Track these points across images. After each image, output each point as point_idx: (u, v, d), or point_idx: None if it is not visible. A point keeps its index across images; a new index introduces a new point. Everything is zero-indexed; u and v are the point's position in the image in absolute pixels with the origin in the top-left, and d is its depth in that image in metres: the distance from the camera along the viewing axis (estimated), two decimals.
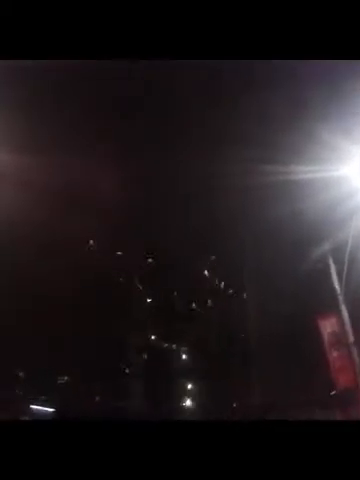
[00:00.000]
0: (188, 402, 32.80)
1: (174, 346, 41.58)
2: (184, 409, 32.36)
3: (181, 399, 34.67)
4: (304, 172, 10.90)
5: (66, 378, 38.46)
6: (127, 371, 40.96)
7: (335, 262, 12.18)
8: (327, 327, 12.68)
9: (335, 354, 12.49)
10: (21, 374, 33.66)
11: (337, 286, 12.10)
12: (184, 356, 37.60)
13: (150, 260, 35.97)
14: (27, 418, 22.77)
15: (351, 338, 11.69)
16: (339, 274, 12.09)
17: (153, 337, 40.25)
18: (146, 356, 40.82)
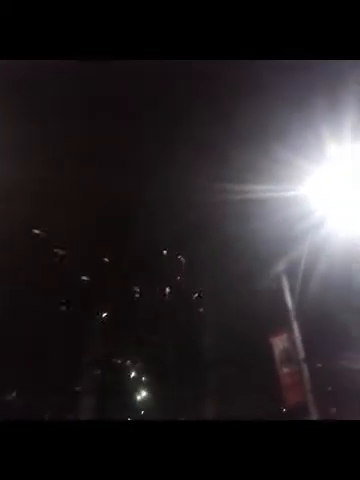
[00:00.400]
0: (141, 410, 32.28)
1: (128, 362, 40.96)
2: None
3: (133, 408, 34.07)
4: (262, 191, 11.12)
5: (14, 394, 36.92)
6: (78, 389, 39.87)
7: (289, 280, 12.46)
8: (278, 344, 12.88)
9: (285, 371, 12.67)
10: None
11: (290, 303, 12.36)
12: (135, 370, 37.08)
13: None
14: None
15: (302, 354, 11.89)
16: (292, 292, 12.36)
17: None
18: (99, 371, 39.91)
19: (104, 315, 41.61)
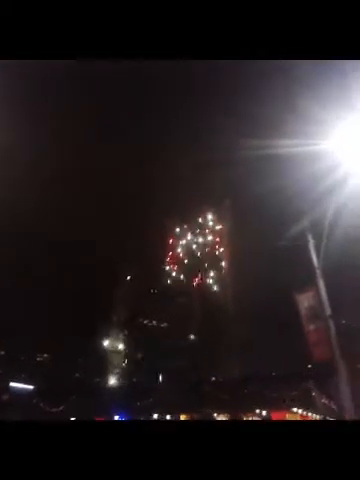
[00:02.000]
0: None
1: (154, 323, 41.80)
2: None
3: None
4: (286, 146, 10.86)
5: (45, 355, 38.58)
6: (105, 346, 41.09)
7: (314, 237, 12.32)
8: (304, 301, 12.88)
9: (312, 328, 12.72)
10: (1, 352, 33.63)
11: (315, 261, 12.27)
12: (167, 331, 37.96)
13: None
14: (7, 397, 22.73)
15: (328, 312, 11.87)
16: (317, 249, 12.24)
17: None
18: (129, 332, 41.03)
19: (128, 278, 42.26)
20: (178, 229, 57.27)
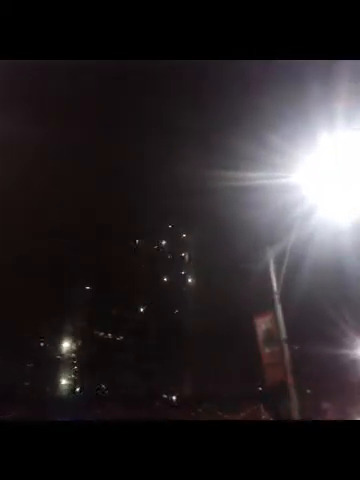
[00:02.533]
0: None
1: (110, 335, 41.26)
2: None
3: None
4: (255, 178, 11.27)
5: None
6: (58, 357, 40.22)
7: (275, 264, 12.78)
8: (262, 324, 13.26)
9: (267, 351, 13.08)
10: None
11: (275, 286, 12.71)
12: (121, 344, 37.49)
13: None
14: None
15: (283, 335, 12.27)
16: (278, 275, 12.70)
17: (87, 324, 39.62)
18: (81, 344, 40.32)
19: (87, 288, 41.65)
20: (142, 241, 56.84)
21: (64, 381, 41.26)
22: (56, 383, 39.97)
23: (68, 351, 43.22)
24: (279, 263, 12.55)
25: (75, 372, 42.00)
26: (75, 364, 42.54)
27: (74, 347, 43.65)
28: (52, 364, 40.16)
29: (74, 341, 43.90)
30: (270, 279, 12.81)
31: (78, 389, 38.52)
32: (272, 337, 12.83)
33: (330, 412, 22.85)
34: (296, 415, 11.31)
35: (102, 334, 42.92)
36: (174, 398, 28.17)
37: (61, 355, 42.85)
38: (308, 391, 18.24)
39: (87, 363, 39.34)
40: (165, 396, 28.97)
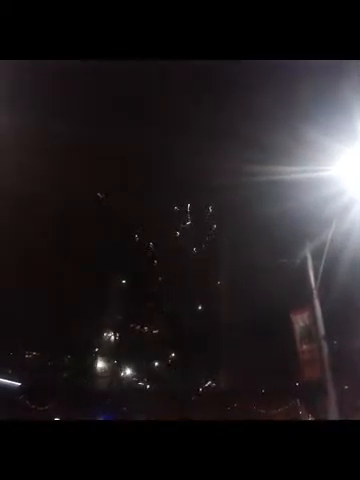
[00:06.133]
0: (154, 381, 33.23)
1: (146, 328, 41.85)
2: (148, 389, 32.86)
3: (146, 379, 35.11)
4: (292, 172, 11.16)
5: (34, 353, 38.33)
6: (96, 350, 41.12)
7: (313, 259, 12.62)
8: (299, 321, 13.15)
9: (304, 347, 12.98)
10: None
11: (313, 282, 12.56)
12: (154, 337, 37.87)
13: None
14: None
15: (322, 332, 12.13)
16: (316, 271, 12.54)
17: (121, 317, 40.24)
18: (117, 336, 41.00)
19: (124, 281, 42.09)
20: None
21: (104, 373, 42.00)
22: (93, 375, 40.77)
23: (105, 344, 44.02)
24: (317, 258, 12.39)
25: (113, 365, 42.75)
26: (112, 357, 43.27)
27: (112, 340, 44.36)
28: (89, 357, 40.97)
29: (112, 334, 44.58)
30: (308, 274, 12.68)
31: (115, 383, 39.15)
32: (310, 333, 12.73)
33: None
34: (334, 411, 11.19)
35: (138, 327, 43.34)
36: (210, 392, 28.24)
37: (99, 347, 43.64)
38: (346, 387, 17.91)
39: (124, 356, 39.91)
40: (201, 390, 29.07)
